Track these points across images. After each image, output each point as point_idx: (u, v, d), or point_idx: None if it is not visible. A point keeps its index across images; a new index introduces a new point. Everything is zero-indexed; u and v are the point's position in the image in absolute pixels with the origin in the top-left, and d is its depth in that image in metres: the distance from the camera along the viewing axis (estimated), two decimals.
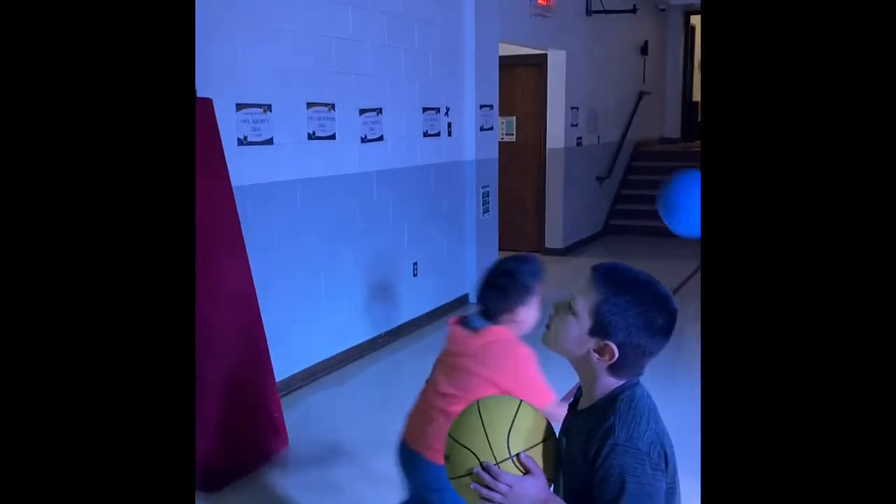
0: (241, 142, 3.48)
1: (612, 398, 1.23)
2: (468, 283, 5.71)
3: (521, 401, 1.32)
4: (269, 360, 3.19)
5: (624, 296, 1.22)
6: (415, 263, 5.02)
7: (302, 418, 3.56)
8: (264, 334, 3.17)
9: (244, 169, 3.45)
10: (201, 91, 3.08)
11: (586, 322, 1.23)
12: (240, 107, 3.46)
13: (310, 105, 3.92)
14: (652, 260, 7.09)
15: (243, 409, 3.01)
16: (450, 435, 1.30)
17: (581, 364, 1.28)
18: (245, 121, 3.50)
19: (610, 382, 1.25)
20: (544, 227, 7.56)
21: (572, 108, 7.44)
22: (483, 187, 5.70)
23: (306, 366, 4.05)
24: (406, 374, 4.30)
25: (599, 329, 1.22)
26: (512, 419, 1.26)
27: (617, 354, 1.22)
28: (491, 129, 5.76)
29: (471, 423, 1.28)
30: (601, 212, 8.69)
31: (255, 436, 3.07)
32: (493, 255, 5.99)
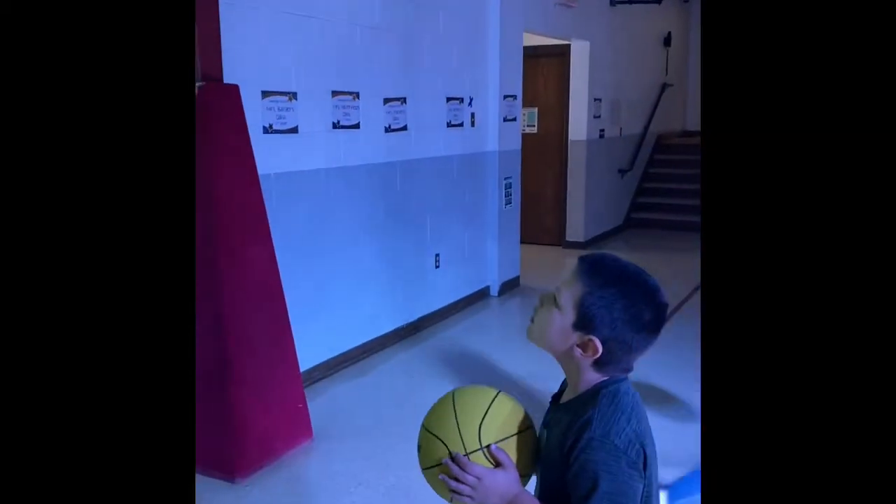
0: (267, 130, 3.45)
1: (595, 392, 1.18)
2: (490, 275, 5.66)
3: (498, 391, 1.26)
4: (294, 351, 3.16)
5: (610, 288, 1.16)
6: (437, 255, 4.98)
7: (325, 409, 3.53)
8: (289, 325, 3.14)
9: (269, 157, 3.42)
10: (227, 77, 3.05)
11: (570, 315, 1.17)
12: (265, 94, 3.42)
13: (335, 93, 3.88)
14: (673, 254, 7.00)
15: (269, 400, 2.98)
16: (423, 424, 1.27)
17: (565, 359, 1.22)
18: (270, 108, 3.46)
19: (594, 377, 1.20)
20: (565, 220, 7.49)
21: (595, 99, 7.35)
22: (506, 179, 5.64)
23: (329, 356, 4.02)
24: (429, 365, 4.26)
25: (583, 323, 1.16)
26: (485, 409, 1.22)
27: (601, 350, 1.16)
28: (514, 119, 5.70)
29: (443, 412, 1.24)
30: (622, 205, 8.59)
31: (279, 426, 3.04)
32: (515, 248, 5.94)
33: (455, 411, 1.22)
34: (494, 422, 1.21)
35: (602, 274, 1.17)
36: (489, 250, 5.61)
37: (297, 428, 3.15)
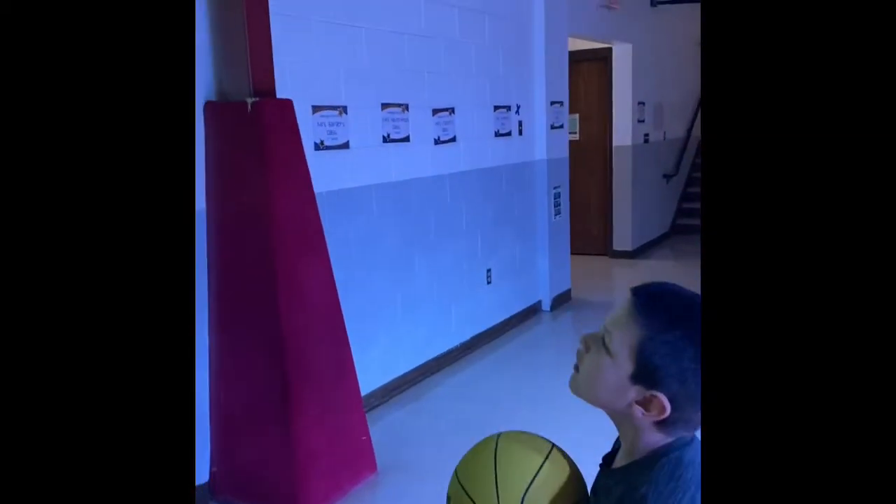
0: (318, 146, 3.28)
1: (654, 459, 0.95)
2: (541, 289, 5.44)
3: (551, 447, 1.02)
4: (356, 378, 2.98)
5: (675, 331, 0.91)
6: (488, 270, 4.78)
7: (386, 439, 3.33)
8: (350, 349, 2.96)
9: (321, 175, 3.25)
10: (280, 92, 2.90)
11: (626, 366, 0.94)
12: (316, 108, 3.27)
13: (384, 106, 3.71)
14: None
15: (332, 431, 2.80)
16: (456, 472, 1.04)
17: (619, 417, 0.98)
18: (321, 124, 3.30)
19: (656, 439, 0.96)
20: (611, 228, 7.24)
21: (639, 103, 7.11)
22: (555, 188, 5.43)
23: (385, 381, 3.83)
24: (483, 388, 4.06)
25: (644, 376, 0.93)
26: (534, 474, 0.98)
27: (668, 409, 0.92)
28: (561, 126, 5.49)
29: (482, 466, 1.02)
30: (668, 211, 8.32)
31: (344, 459, 2.85)
32: (566, 261, 5.71)
33: (496, 468, 1.00)
34: (542, 492, 0.98)
35: (664, 311, 0.94)
36: (540, 264, 5.40)
37: (362, 461, 2.96)
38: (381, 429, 3.47)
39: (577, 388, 1.01)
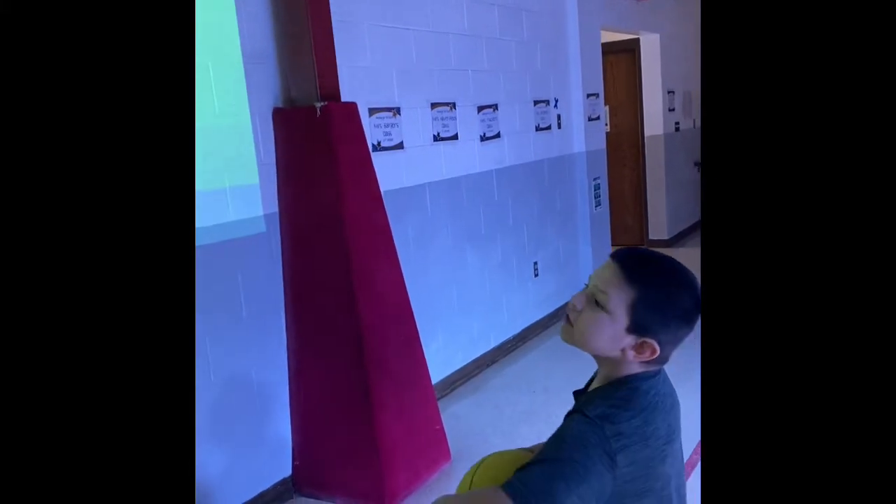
0: (376, 147, 3.37)
1: (621, 383, 1.14)
2: (585, 280, 5.48)
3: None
4: (427, 371, 3.06)
5: (663, 289, 1.12)
6: (535, 263, 4.84)
7: (454, 429, 3.41)
8: (420, 344, 3.04)
9: (380, 175, 3.33)
10: (343, 96, 2.99)
11: (623, 320, 1.11)
12: (372, 111, 3.35)
13: (433, 105, 3.79)
14: None
15: (409, 423, 2.88)
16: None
17: (610, 359, 1.16)
18: (378, 125, 3.39)
19: (634, 369, 1.15)
20: (646, 218, 7.26)
21: (669, 92, 7.13)
22: (594, 179, 5.48)
23: (446, 374, 3.91)
24: (538, 378, 4.12)
25: (639, 327, 1.11)
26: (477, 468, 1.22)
27: (659, 350, 1.12)
28: (598, 118, 5.54)
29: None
30: (700, 199, 8.33)
31: (422, 450, 2.94)
32: (607, 251, 5.75)
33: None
34: (486, 472, 1.20)
35: (651, 275, 1.12)
36: (583, 255, 5.45)
37: (437, 450, 3.04)
38: (448, 421, 3.55)
39: (570, 338, 1.19)
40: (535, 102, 4.81)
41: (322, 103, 2.76)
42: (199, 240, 2.52)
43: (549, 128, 4.97)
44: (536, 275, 4.86)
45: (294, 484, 2.97)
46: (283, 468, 2.96)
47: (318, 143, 2.77)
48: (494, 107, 4.34)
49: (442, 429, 3.08)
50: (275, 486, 2.91)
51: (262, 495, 2.85)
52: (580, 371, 4.43)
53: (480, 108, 4.21)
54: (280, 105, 2.89)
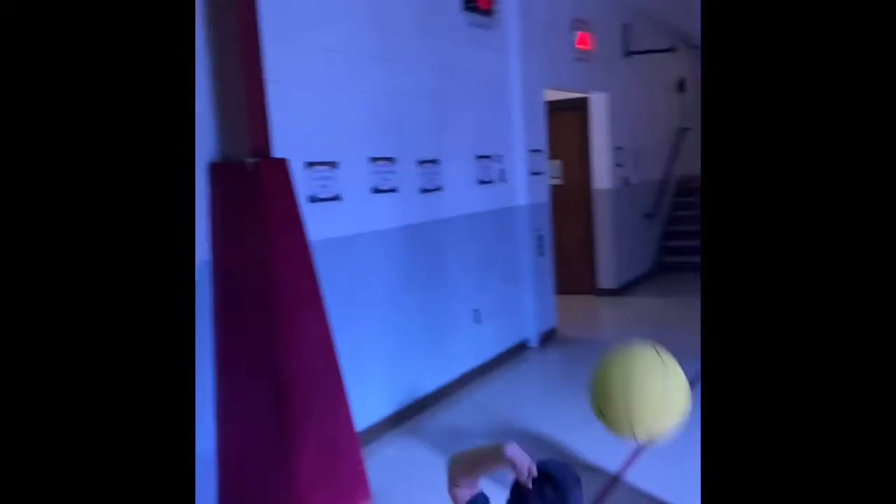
0: (312, 199, 3.57)
1: None
2: (528, 327, 5.68)
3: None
4: (350, 414, 3.20)
5: None
6: (475, 310, 5.02)
7: (380, 470, 3.53)
8: (344, 388, 3.19)
9: (314, 225, 3.52)
10: (277, 151, 3.19)
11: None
12: (309, 165, 3.56)
13: (373, 160, 4.01)
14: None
15: (330, 466, 3.01)
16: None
17: None
18: (315, 178, 3.60)
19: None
20: (595, 268, 7.52)
21: (617, 148, 7.47)
22: (537, 230, 5.72)
23: (378, 418, 4.04)
24: (476, 422, 4.26)
25: None
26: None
27: None
28: (541, 173, 5.81)
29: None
30: (651, 250, 8.61)
31: (342, 492, 3.05)
32: (551, 299, 5.97)
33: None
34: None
35: None
36: (525, 302, 5.65)
37: (358, 490, 3.16)
38: (376, 462, 3.67)
39: None
40: (478, 157, 5.06)
41: (253, 160, 2.96)
42: None
43: (491, 181, 5.22)
44: (477, 321, 5.04)
45: None
46: None
47: (249, 197, 2.96)
48: (436, 161, 4.58)
49: (363, 469, 3.20)
50: None
51: None
52: (516, 416, 4.59)
53: (422, 163, 4.44)
54: (215, 160, 3.08)
